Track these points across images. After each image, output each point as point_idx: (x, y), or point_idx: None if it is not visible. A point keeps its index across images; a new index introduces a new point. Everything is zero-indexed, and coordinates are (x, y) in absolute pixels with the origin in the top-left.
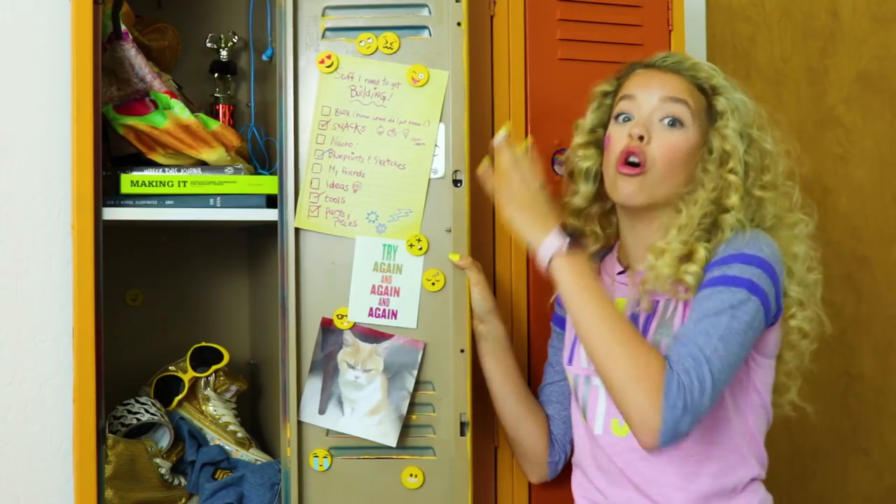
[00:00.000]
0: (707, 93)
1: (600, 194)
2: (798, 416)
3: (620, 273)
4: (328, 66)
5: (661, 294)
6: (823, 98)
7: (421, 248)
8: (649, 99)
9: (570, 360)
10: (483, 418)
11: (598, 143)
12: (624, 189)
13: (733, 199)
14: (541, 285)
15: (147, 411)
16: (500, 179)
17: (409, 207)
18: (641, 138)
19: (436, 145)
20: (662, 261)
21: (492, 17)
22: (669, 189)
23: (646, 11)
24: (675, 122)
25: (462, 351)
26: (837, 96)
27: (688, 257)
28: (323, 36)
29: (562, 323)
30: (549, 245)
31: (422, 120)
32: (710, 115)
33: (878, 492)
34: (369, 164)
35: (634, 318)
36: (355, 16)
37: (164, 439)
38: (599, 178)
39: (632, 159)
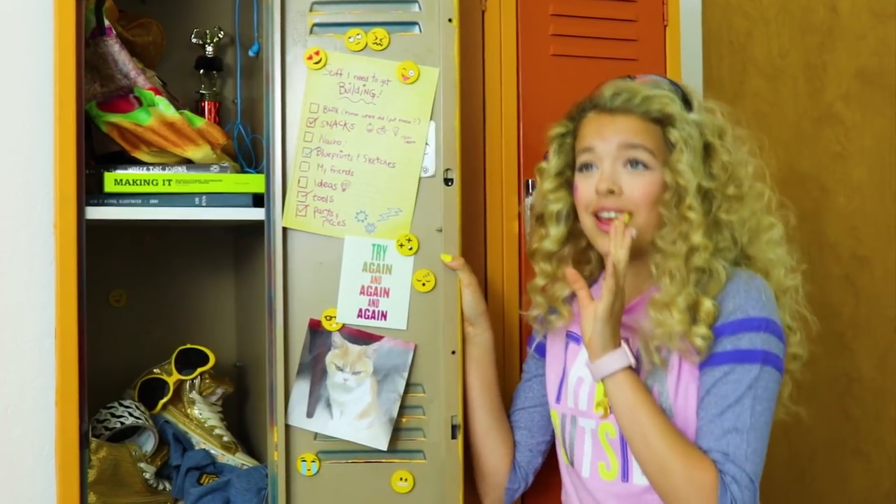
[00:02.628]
0: (662, 123)
1: (573, 233)
2: (794, 420)
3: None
4: (316, 63)
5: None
6: (822, 95)
7: (411, 249)
8: (607, 148)
9: (558, 399)
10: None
11: (566, 185)
12: (605, 244)
13: (696, 239)
14: None
15: (131, 415)
16: (622, 278)
17: (398, 207)
18: (612, 192)
19: (426, 143)
20: (672, 318)
21: (483, 13)
22: (651, 230)
23: (640, 6)
24: (638, 164)
25: (453, 352)
26: (836, 93)
27: (694, 310)
28: (311, 31)
29: (542, 350)
30: (615, 359)
31: (412, 117)
32: (667, 147)
33: (877, 496)
34: (358, 162)
35: None
36: (344, 11)
37: (149, 443)
38: (571, 218)
39: (605, 215)
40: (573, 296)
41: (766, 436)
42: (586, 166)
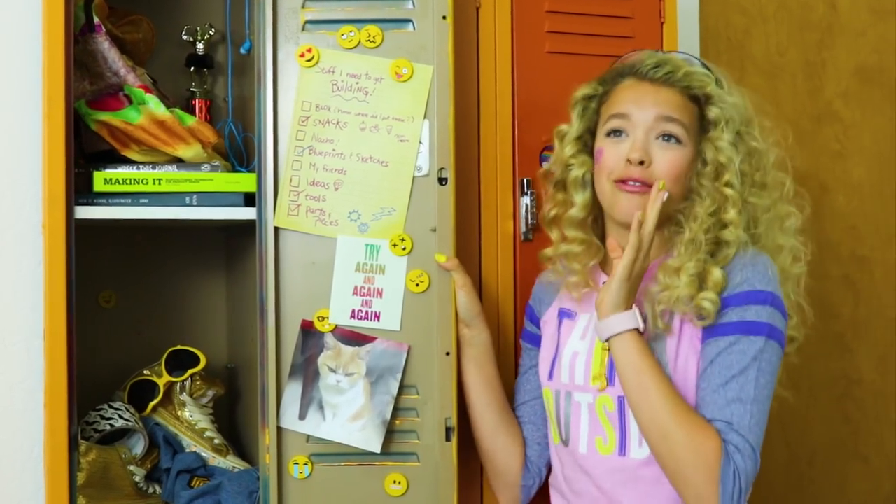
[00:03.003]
0: (700, 101)
1: (594, 201)
2: (790, 418)
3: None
4: (308, 60)
5: (672, 313)
6: (821, 92)
7: (405, 248)
8: (644, 117)
9: (551, 376)
10: (469, 424)
11: (587, 150)
12: (626, 205)
13: (731, 214)
14: (529, 289)
15: (121, 417)
16: (647, 238)
17: (392, 206)
18: (642, 163)
19: (420, 142)
20: (680, 281)
21: (477, 10)
22: (670, 205)
23: (637, 3)
24: (671, 139)
25: (447, 354)
26: (835, 91)
27: (702, 278)
28: (303, 28)
29: (533, 339)
30: (625, 319)
31: (405, 116)
32: (702, 125)
33: (877, 500)
34: (351, 161)
35: None
36: (336, 8)
37: (139, 446)
38: (592, 186)
39: (633, 184)
40: (592, 267)
41: (768, 409)
42: (616, 132)
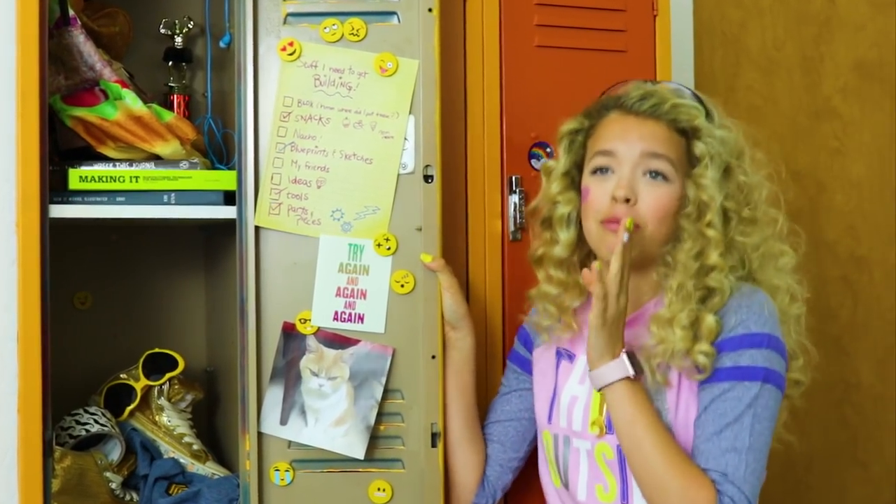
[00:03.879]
0: (688, 134)
1: (580, 238)
2: (784, 447)
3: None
4: (290, 54)
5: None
6: (819, 88)
7: (389, 248)
8: (629, 153)
9: (550, 419)
10: None
11: (574, 186)
12: (613, 245)
13: (713, 258)
14: (517, 291)
15: (97, 422)
16: (613, 284)
17: (376, 205)
18: (627, 200)
19: (405, 138)
20: (674, 334)
21: (465, 2)
22: (659, 244)
23: None
24: (658, 175)
25: (433, 357)
26: (834, 86)
27: (695, 327)
28: (284, 21)
29: (523, 364)
30: (615, 369)
31: (390, 111)
32: (689, 159)
33: None
34: (334, 158)
35: None
36: (319, 0)
37: (115, 452)
38: (578, 224)
39: (626, 236)
40: (580, 308)
41: (765, 456)
42: (602, 170)
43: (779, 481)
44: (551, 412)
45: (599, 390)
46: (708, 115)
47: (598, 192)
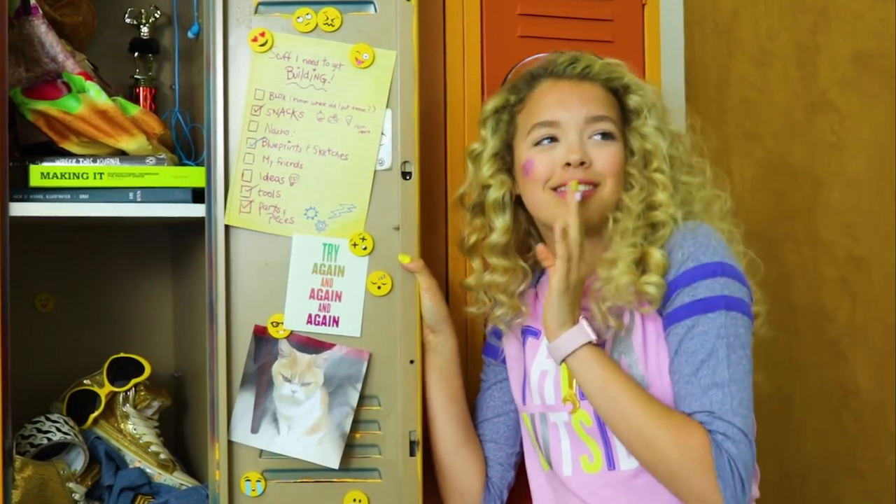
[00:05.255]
0: (618, 92)
1: (515, 221)
2: (782, 435)
3: None
4: (262, 45)
5: (622, 307)
6: (815, 80)
7: (365, 248)
8: (573, 119)
9: (524, 400)
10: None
11: (505, 168)
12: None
13: (661, 196)
14: None
15: (59, 430)
16: (575, 245)
17: (352, 202)
18: (583, 163)
19: (382, 133)
20: (618, 270)
21: None
22: (608, 206)
23: None
24: (607, 136)
25: (411, 362)
26: (831, 78)
27: (642, 263)
28: (256, 11)
29: (495, 353)
30: (573, 336)
31: (366, 105)
32: (624, 116)
33: None
34: (308, 154)
35: None
36: None
37: (79, 461)
38: (511, 207)
39: (583, 188)
40: (525, 291)
41: (749, 384)
42: (546, 139)
43: (773, 492)
44: (524, 393)
45: (562, 362)
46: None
47: (545, 162)
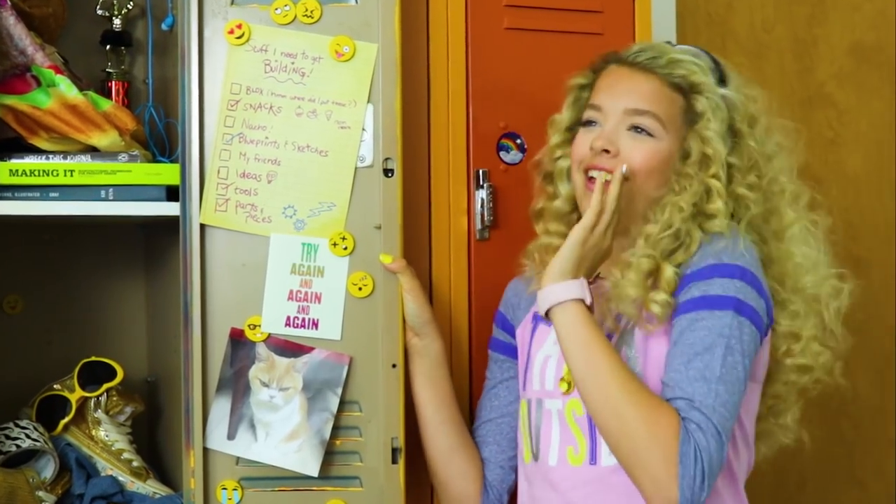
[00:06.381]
0: (685, 91)
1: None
2: (795, 446)
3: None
4: (238, 38)
5: (627, 318)
6: (812, 73)
7: (346, 248)
8: (614, 108)
9: (525, 385)
10: (418, 444)
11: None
12: (588, 204)
13: (717, 205)
14: (485, 294)
15: (28, 437)
16: (611, 203)
17: (331, 201)
18: (607, 151)
19: (363, 129)
20: (628, 279)
21: None
22: (644, 201)
23: None
24: (642, 132)
25: (394, 366)
26: (828, 71)
27: (654, 276)
28: (232, 2)
29: (505, 349)
30: (568, 288)
31: (347, 100)
32: (689, 116)
33: None
34: (286, 150)
35: None
36: None
37: (48, 469)
38: None
39: (594, 174)
40: None
41: (738, 393)
42: (589, 122)
43: (768, 500)
44: (526, 378)
45: (548, 311)
46: (722, 79)
47: (581, 142)
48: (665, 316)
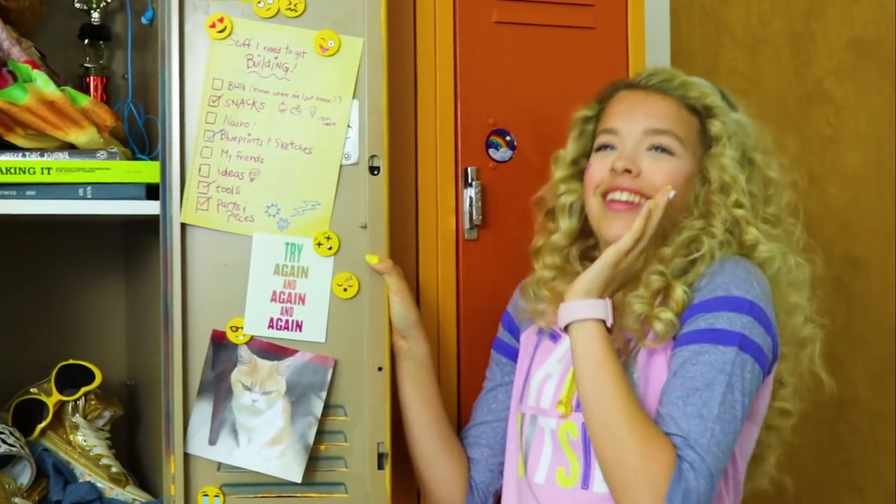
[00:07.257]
0: (700, 114)
1: (582, 231)
2: (775, 489)
3: None
4: (220, 31)
5: (628, 335)
6: (809, 69)
7: (330, 248)
8: (632, 129)
9: (522, 398)
10: (405, 449)
11: (580, 175)
12: (613, 227)
13: (752, 234)
14: (473, 295)
15: (4, 442)
16: (651, 226)
17: (316, 199)
18: (629, 172)
19: (348, 126)
20: (636, 294)
21: None
22: (667, 220)
23: None
24: (662, 151)
25: (380, 369)
26: (826, 66)
27: (664, 294)
28: None
29: (508, 352)
30: (594, 307)
31: (332, 96)
32: (704, 139)
33: None
34: (269, 147)
35: None
36: None
37: (25, 475)
38: (581, 215)
39: (617, 196)
40: None
41: (734, 433)
42: (605, 146)
43: None
44: (523, 391)
45: (566, 326)
46: (731, 107)
47: (599, 166)
48: (666, 334)
